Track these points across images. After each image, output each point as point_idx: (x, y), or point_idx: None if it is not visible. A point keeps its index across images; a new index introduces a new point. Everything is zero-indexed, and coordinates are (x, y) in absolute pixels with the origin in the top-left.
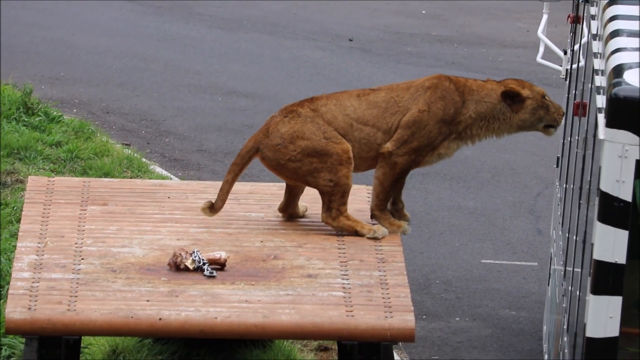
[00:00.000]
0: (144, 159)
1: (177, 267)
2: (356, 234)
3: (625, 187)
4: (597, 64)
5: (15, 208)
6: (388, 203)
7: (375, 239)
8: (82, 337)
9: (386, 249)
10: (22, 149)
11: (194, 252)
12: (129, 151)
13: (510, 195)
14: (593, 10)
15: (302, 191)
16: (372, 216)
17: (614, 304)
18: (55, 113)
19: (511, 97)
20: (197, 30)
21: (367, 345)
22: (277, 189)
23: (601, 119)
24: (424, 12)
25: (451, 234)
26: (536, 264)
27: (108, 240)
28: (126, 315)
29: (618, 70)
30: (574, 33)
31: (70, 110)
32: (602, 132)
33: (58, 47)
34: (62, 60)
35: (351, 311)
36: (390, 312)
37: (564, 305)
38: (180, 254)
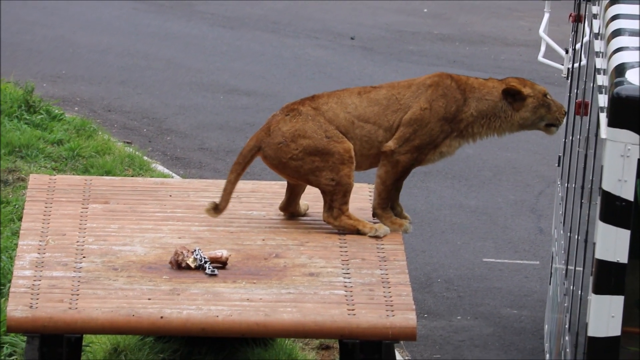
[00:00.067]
0: (145, 157)
1: (178, 265)
2: (358, 232)
3: (627, 187)
4: (599, 63)
5: (16, 206)
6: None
7: (376, 237)
8: (84, 336)
9: (388, 247)
10: (23, 147)
11: (195, 250)
12: (131, 149)
13: (512, 194)
14: (595, 9)
15: (303, 190)
16: (374, 215)
17: (615, 303)
18: (56, 111)
19: (512, 95)
20: (199, 28)
21: (368, 344)
22: (278, 188)
23: (603, 118)
24: (425, 10)
25: (453, 233)
26: (538, 262)
27: (109, 238)
28: (128, 313)
29: (620, 70)
30: (576, 32)
31: (72, 108)
32: (604, 131)
33: (60, 45)
34: (64, 58)
35: (353, 310)
36: (392, 311)
37: (565, 304)
38: (182, 252)
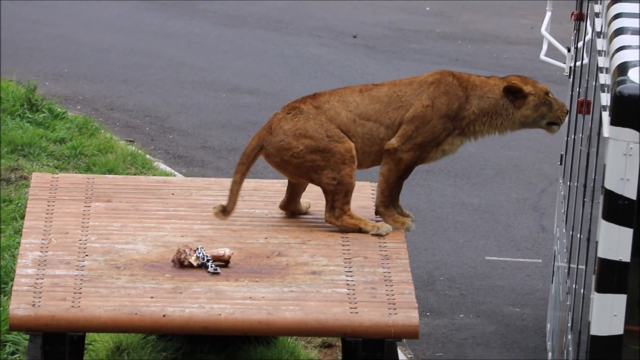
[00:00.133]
0: (148, 156)
1: (181, 263)
2: (360, 231)
3: (629, 185)
4: (602, 61)
5: (19, 204)
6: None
7: (379, 235)
8: (86, 334)
9: (390, 245)
10: (26, 145)
11: (197, 248)
12: (133, 148)
13: (514, 192)
14: (597, 7)
15: (304, 189)
16: (377, 213)
17: (618, 302)
18: (59, 109)
19: (513, 93)
20: (201, 26)
21: (371, 342)
22: (281, 186)
23: (605, 116)
24: (427, 9)
25: (455, 231)
26: (540, 260)
27: (112, 236)
28: (130, 311)
29: (622, 68)
30: (578, 30)
31: (74, 106)
32: (607, 130)
33: (62, 43)
34: (66, 56)
35: (355, 308)
36: (394, 309)
37: (568, 303)
38: (184, 251)
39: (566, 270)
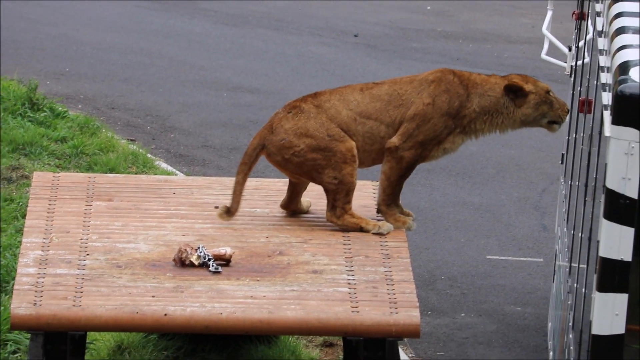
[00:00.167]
0: (149, 155)
1: (182, 262)
2: (361, 230)
3: (631, 184)
4: (603, 60)
5: (20, 204)
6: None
7: (380, 234)
8: (88, 333)
9: (391, 244)
10: (27, 144)
11: (199, 247)
12: (134, 147)
13: (516, 191)
14: (598, 7)
15: (305, 188)
16: (379, 211)
17: (619, 301)
18: (60, 109)
19: (514, 92)
20: (202, 26)
21: (372, 341)
22: (282, 185)
23: (607, 116)
24: (429, 8)
25: (456, 230)
26: (541, 259)
27: (113, 236)
28: (131, 310)
29: (624, 68)
30: (579, 29)
31: (76, 105)
32: (608, 129)
33: (63, 42)
34: (67, 56)
35: (356, 307)
36: (396, 308)
37: (569, 302)
38: (186, 250)
39: (567, 270)
